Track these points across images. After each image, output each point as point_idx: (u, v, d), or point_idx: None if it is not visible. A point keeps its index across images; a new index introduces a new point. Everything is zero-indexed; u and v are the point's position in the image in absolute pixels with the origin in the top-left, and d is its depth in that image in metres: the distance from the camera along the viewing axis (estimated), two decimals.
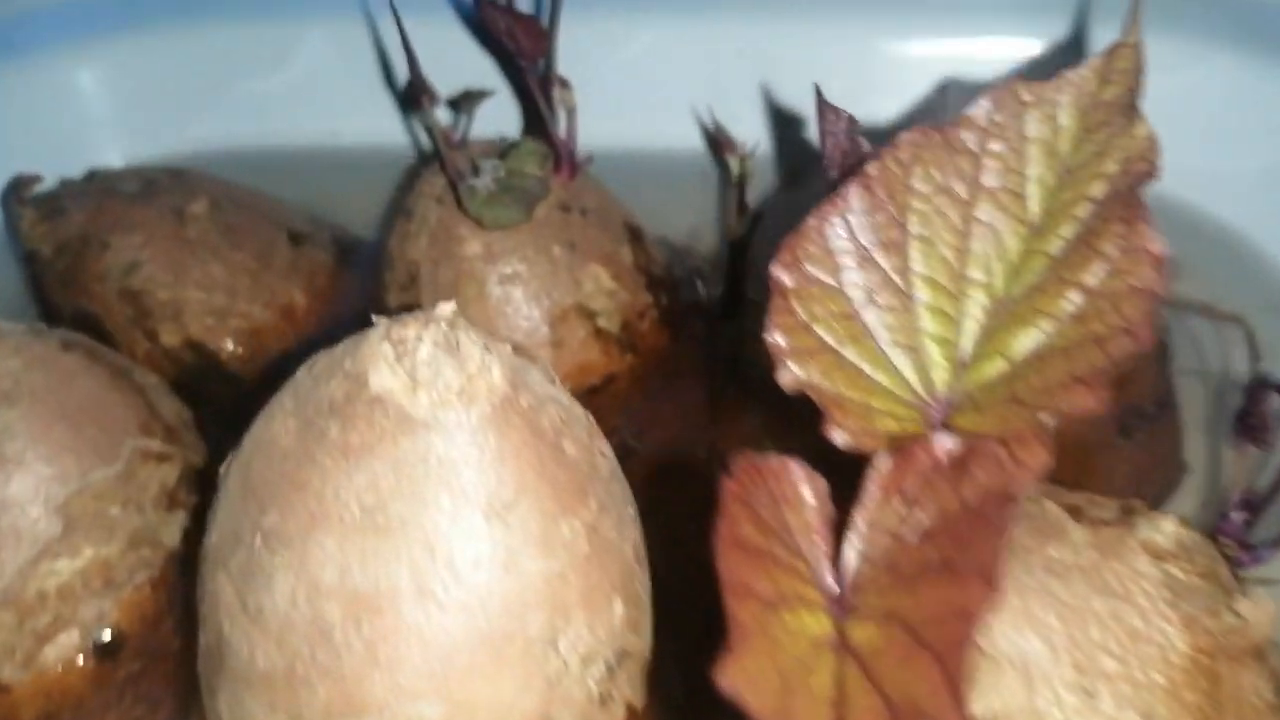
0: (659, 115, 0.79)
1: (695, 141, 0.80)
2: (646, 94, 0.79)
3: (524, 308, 0.55)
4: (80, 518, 0.47)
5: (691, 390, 0.61)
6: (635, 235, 0.61)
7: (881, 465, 0.27)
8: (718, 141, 0.59)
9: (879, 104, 0.77)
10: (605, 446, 0.41)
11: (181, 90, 0.84)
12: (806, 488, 0.27)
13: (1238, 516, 0.39)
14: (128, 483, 0.49)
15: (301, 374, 0.39)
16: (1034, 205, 0.33)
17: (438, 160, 0.56)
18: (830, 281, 0.32)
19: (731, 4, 0.76)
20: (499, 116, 0.75)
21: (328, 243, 0.68)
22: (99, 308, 0.61)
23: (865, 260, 0.33)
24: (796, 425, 0.63)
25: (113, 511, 0.48)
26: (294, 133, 0.84)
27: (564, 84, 0.55)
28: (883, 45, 0.76)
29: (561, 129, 0.56)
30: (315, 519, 0.36)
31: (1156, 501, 0.58)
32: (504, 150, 0.55)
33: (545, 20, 0.56)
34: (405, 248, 0.57)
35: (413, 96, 0.62)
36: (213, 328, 0.61)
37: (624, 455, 0.59)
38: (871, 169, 0.33)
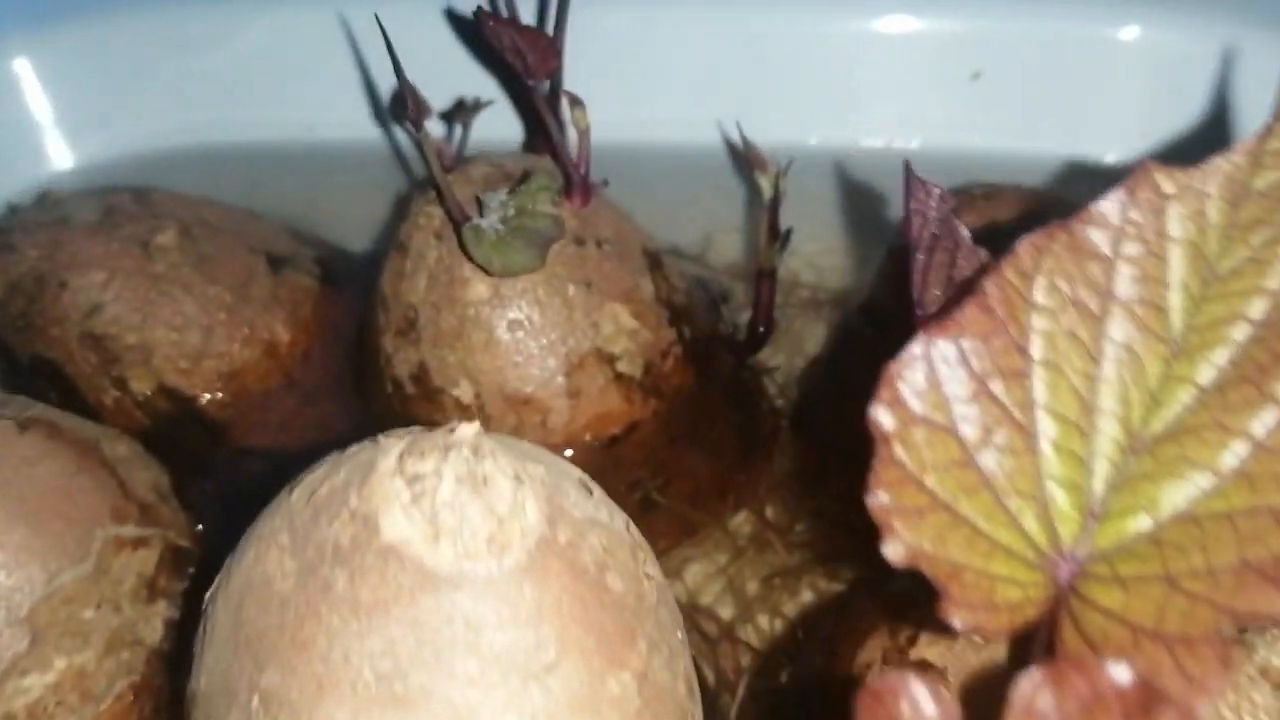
0: (663, 107, 0.73)
1: (704, 136, 0.74)
2: (651, 84, 0.73)
3: (537, 356, 0.50)
4: (49, 627, 0.42)
5: (718, 432, 0.56)
6: (655, 263, 0.55)
7: (1024, 688, 0.22)
8: (747, 157, 0.52)
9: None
10: (652, 564, 0.36)
11: (137, 82, 0.77)
12: (931, 708, 0.22)
13: None
14: (100, 580, 0.43)
15: (297, 499, 0.33)
16: (1177, 320, 0.28)
17: (433, 186, 0.50)
18: (940, 421, 0.27)
19: None
20: (495, 122, 0.69)
21: (311, 264, 0.62)
22: (59, 354, 0.54)
23: (980, 393, 0.27)
24: (833, 468, 0.59)
25: (86, 615, 0.43)
26: (266, 126, 0.77)
27: (576, 102, 0.48)
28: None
29: (573, 151, 0.50)
30: (323, 685, 0.30)
31: None
32: (512, 184, 0.48)
33: (551, 29, 0.50)
34: (401, 289, 0.51)
35: (398, 107, 0.56)
36: (188, 371, 0.55)
37: (647, 509, 0.54)
38: (990, 286, 0.27)
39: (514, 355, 0.49)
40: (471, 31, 0.68)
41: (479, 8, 0.47)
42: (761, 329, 0.57)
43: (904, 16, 0.71)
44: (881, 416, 0.27)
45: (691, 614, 0.52)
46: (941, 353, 0.27)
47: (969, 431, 0.27)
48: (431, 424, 0.50)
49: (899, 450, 0.26)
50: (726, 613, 0.52)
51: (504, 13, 0.52)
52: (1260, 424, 0.25)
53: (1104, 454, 0.27)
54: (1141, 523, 0.26)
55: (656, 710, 0.33)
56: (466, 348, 0.49)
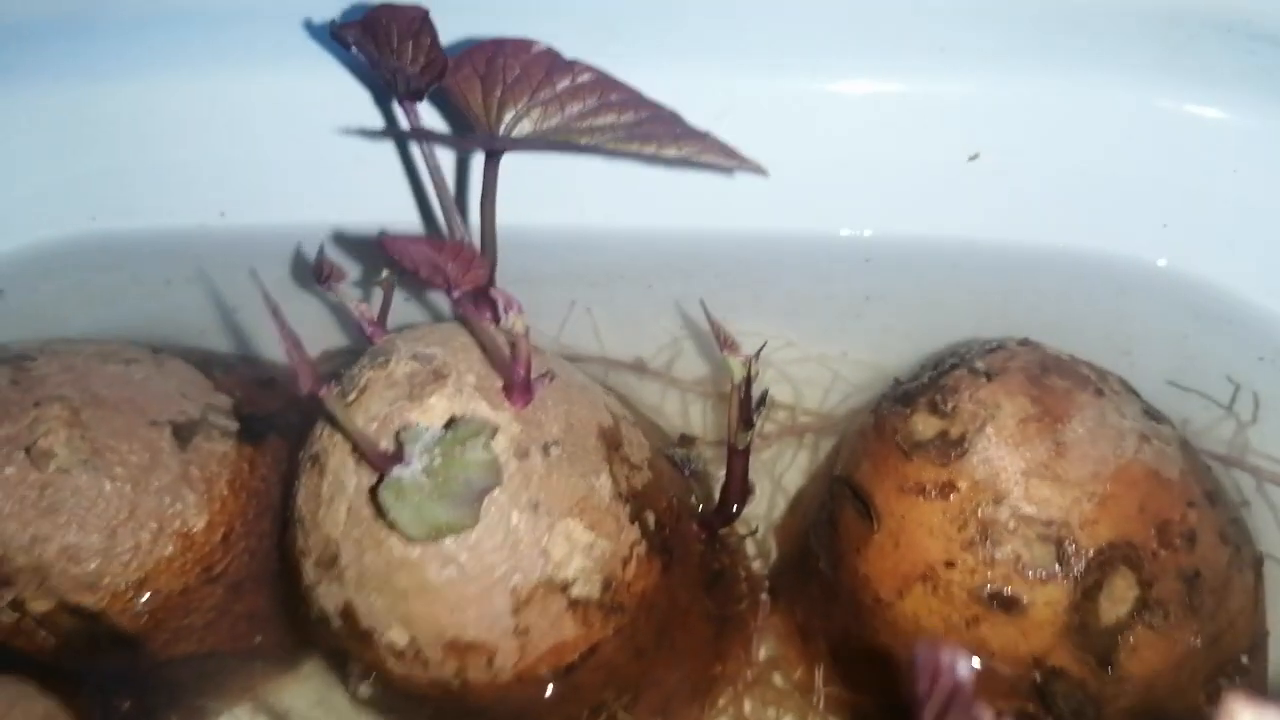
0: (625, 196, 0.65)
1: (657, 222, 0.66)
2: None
3: (476, 599, 0.43)
4: None
5: (690, 628, 0.50)
6: (613, 442, 0.48)
7: None
8: (718, 337, 0.45)
9: None
10: None
11: (29, 166, 0.68)
12: None
13: None
14: None
15: None
16: None
17: (342, 432, 0.43)
18: None
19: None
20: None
21: (226, 418, 0.55)
22: None
23: None
24: (814, 651, 0.54)
25: None
26: (173, 211, 0.69)
27: (510, 305, 0.41)
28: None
29: (510, 356, 0.43)
30: None
31: None
32: (439, 433, 0.41)
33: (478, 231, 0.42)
34: (319, 516, 0.44)
35: (318, 275, 0.48)
36: (91, 586, 0.49)
37: None
38: None
39: (450, 600, 0.43)
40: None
41: (381, 231, 0.39)
42: (735, 506, 0.51)
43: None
44: None
45: None
46: None
47: None
48: (364, 661, 0.45)
49: None
50: None
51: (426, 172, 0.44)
52: None
53: None
54: None
55: None
56: (396, 593, 0.43)
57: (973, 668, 0.26)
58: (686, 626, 0.50)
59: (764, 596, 0.54)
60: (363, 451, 0.41)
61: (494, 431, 0.41)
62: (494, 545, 0.43)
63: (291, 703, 0.52)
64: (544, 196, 0.63)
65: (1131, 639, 0.43)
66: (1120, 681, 0.44)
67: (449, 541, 0.43)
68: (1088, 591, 0.43)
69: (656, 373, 0.62)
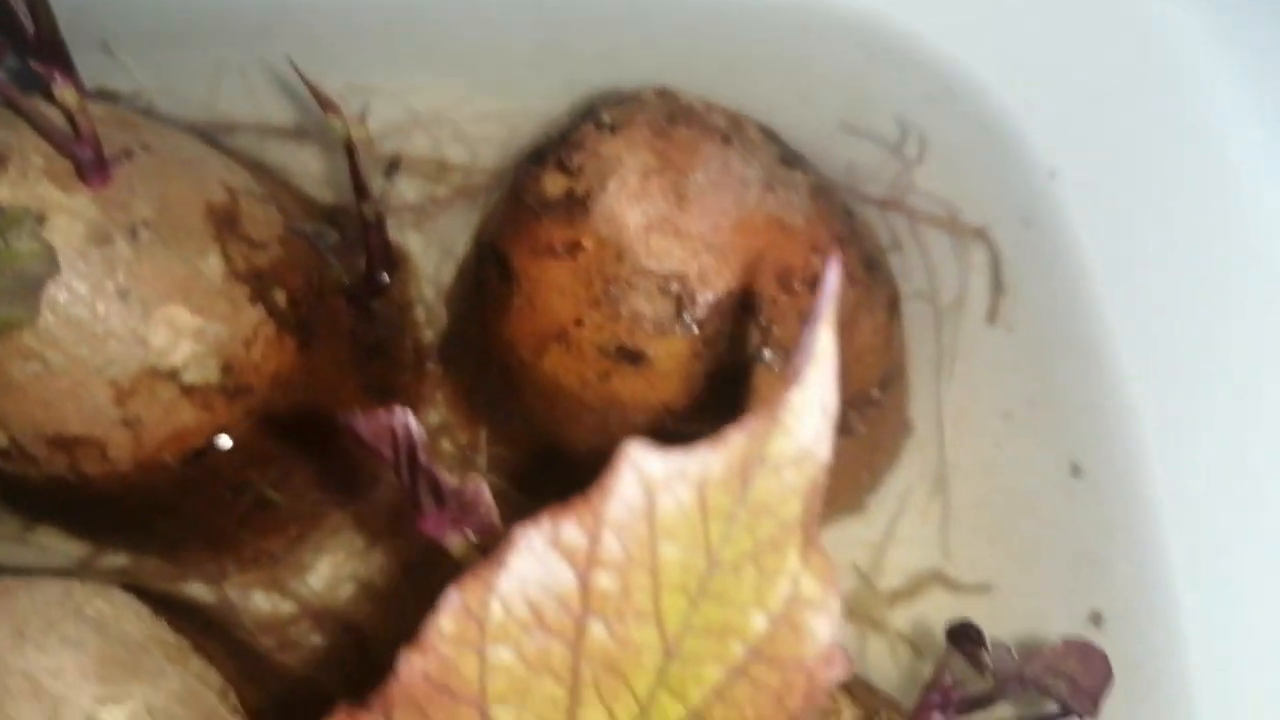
0: None
1: None
2: None
3: (71, 394, 0.41)
4: None
5: (345, 402, 0.49)
6: (227, 220, 0.45)
7: None
8: (316, 97, 0.42)
9: None
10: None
11: None
12: None
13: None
14: None
15: None
16: (672, 622, 0.23)
17: None
18: None
19: None
20: None
21: None
22: None
23: None
24: (478, 416, 0.53)
25: None
26: None
27: (52, 77, 0.36)
28: None
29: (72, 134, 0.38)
30: None
31: (880, 478, 0.53)
32: None
33: None
34: None
35: None
36: None
37: (261, 508, 0.48)
38: (414, 658, 0.21)
39: (41, 396, 0.40)
40: None
41: None
42: (380, 278, 0.49)
43: None
44: None
45: (323, 616, 0.48)
46: None
47: None
48: None
49: None
50: (361, 610, 0.48)
51: None
52: None
53: None
54: None
55: None
56: None
57: (415, 422, 0.26)
58: (341, 401, 0.49)
59: (430, 365, 0.53)
60: None
61: (41, 218, 0.37)
62: (78, 338, 0.40)
63: None
64: None
65: (754, 382, 0.45)
66: None
67: (28, 338, 0.39)
68: (708, 340, 0.44)
69: (319, 137, 0.58)
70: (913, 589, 0.51)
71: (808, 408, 0.22)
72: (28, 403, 0.40)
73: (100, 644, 0.33)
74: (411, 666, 0.21)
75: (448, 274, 0.56)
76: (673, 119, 0.45)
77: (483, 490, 0.26)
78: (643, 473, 0.22)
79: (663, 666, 0.23)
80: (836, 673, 0.22)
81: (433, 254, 0.56)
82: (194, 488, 0.46)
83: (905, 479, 0.54)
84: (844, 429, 0.48)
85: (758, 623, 0.22)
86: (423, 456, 0.25)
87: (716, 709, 0.22)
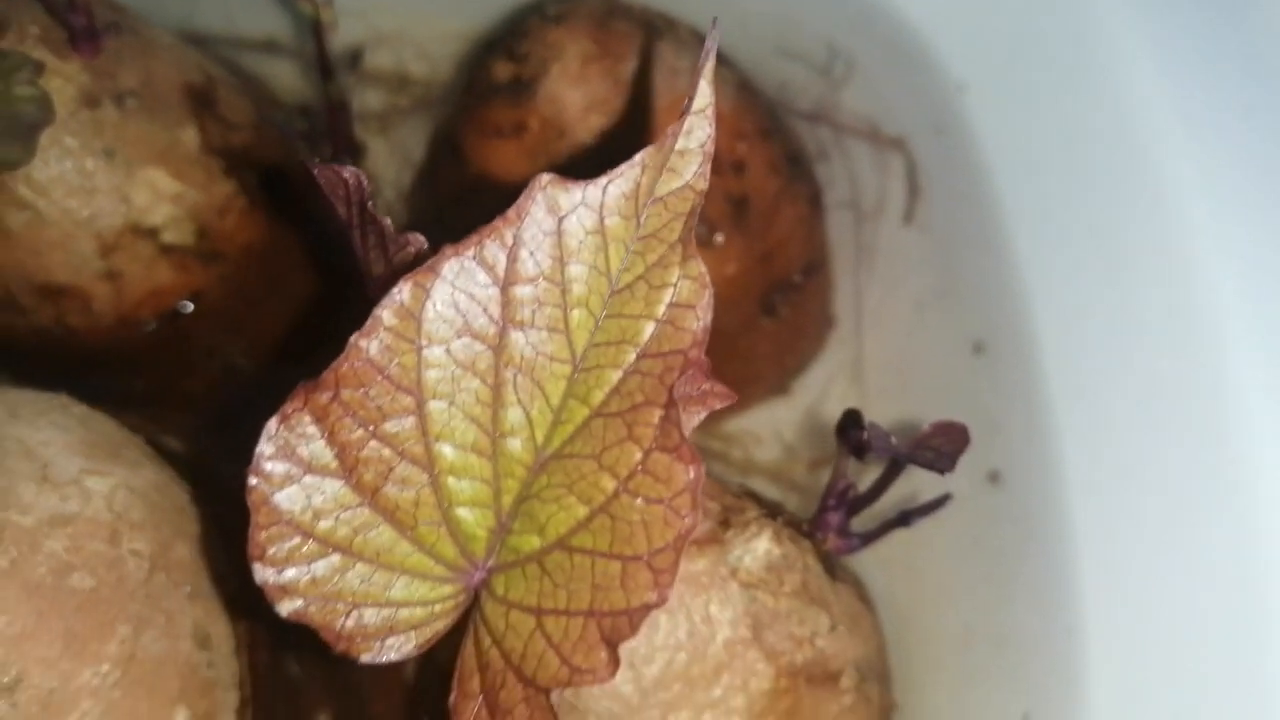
0: None
1: None
2: None
3: (59, 244, 0.45)
4: None
5: (309, 279, 0.53)
6: (204, 100, 0.49)
7: None
8: None
9: None
10: (141, 538, 0.35)
11: None
12: None
13: (834, 517, 0.38)
14: None
15: None
16: (580, 338, 0.27)
17: None
18: (328, 468, 0.26)
19: None
20: None
21: None
22: None
23: (374, 435, 0.26)
24: None
25: None
26: None
27: None
28: None
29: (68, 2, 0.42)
30: None
31: (804, 363, 0.58)
32: None
33: None
34: None
35: None
36: None
37: (229, 375, 0.53)
38: (363, 341, 0.25)
39: (31, 244, 0.44)
40: None
41: None
42: (347, 160, 0.53)
43: None
44: (258, 476, 0.26)
45: None
46: (316, 409, 0.26)
47: (367, 474, 0.27)
48: None
49: (283, 503, 0.26)
50: None
51: None
52: (623, 465, 0.26)
53: (511, 473, 0.28)
54: (532, 544, 0.27)
55: (150, 683, 0.34)
56: None
57: (365, 176, 0.30)
58: (306, 278, 0.53)
59: None
60: None
61: (40, 67, 0.41)
62: (68, 190, 0.44)
63: None
64: None
65: None
66: None
67: (22, 188, 0.43)
68: None
69: (289, 50, 0.62)
70: (830, 456, 0.55)
71: (690, 151, 0.26)
72: (19, 251, 0.44)
73: (85, 433, 0.37)
74: (358, 348, 0.26)
75: (408, 179, 0.60)
76: (612, 13, 0.50)
77: (419, 238, 0.30)
78: (551, 198, 0.26)
79: (571, 377, 0.27)
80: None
81: (394, 161, 0.60)
82: (168, 349, 0.50)
83: (828, 368, 0.59)
84: (767, 309, 0.53)
85: (647, 330, 0.27)
86: (370, 206, 0.30)
87: (613, 401, 0.27)
